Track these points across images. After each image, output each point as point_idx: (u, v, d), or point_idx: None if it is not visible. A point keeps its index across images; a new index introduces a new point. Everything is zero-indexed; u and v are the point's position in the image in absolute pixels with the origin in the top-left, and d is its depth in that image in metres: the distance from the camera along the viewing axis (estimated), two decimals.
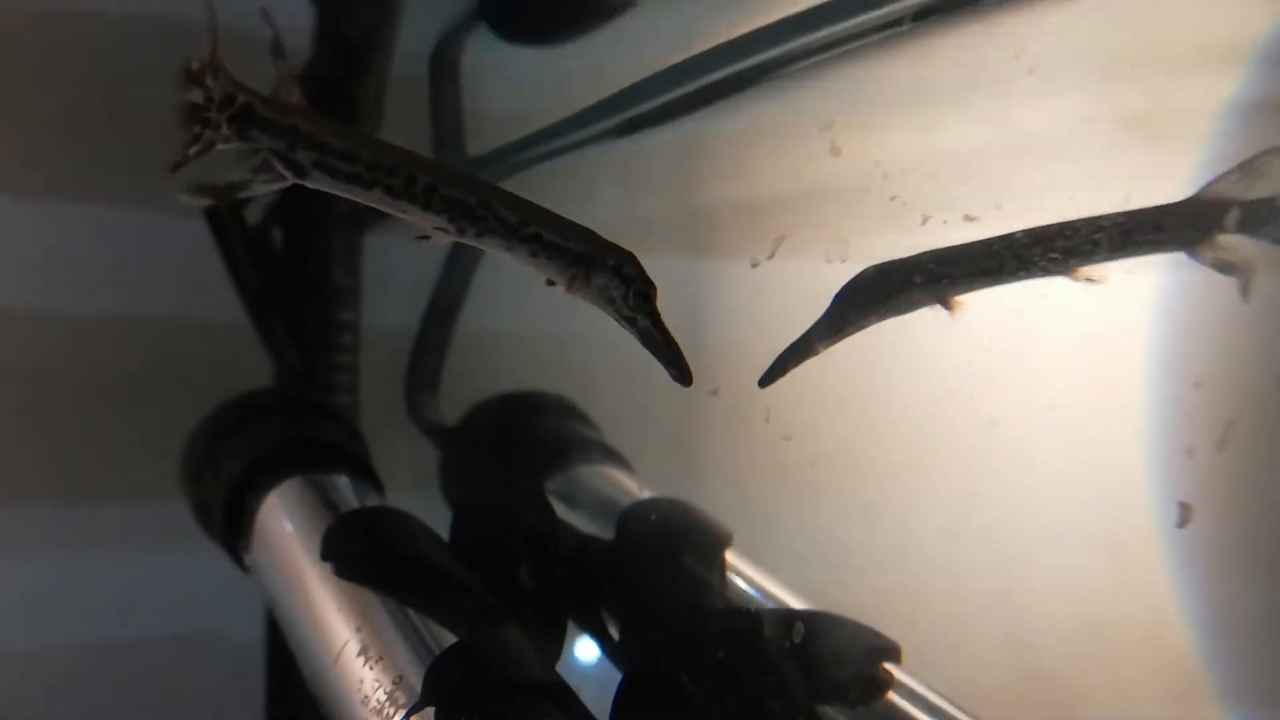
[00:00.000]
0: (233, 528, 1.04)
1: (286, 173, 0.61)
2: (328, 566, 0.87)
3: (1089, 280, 0.62)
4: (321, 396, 1.27)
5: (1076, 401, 0.64)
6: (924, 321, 0.67)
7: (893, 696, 0.73)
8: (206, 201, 0.64)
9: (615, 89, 0.81)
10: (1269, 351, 0.50)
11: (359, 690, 0.77)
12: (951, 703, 0.75)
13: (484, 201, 0.61)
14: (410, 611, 0.83)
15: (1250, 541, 0.54)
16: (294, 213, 1.30)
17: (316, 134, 0.60)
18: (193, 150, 0.59)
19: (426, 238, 0.63)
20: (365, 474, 1.08)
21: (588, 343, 1.19)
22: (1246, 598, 0.57)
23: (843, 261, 0.66)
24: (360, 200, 0.62)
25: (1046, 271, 0.62)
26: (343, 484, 1.04)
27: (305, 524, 0.96)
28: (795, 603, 0.83)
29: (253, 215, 1.31)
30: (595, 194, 1.06)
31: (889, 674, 0.73)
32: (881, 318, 0.66)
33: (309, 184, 0.61)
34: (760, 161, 0.79)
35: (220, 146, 0.60)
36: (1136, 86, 0.56)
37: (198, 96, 0.59)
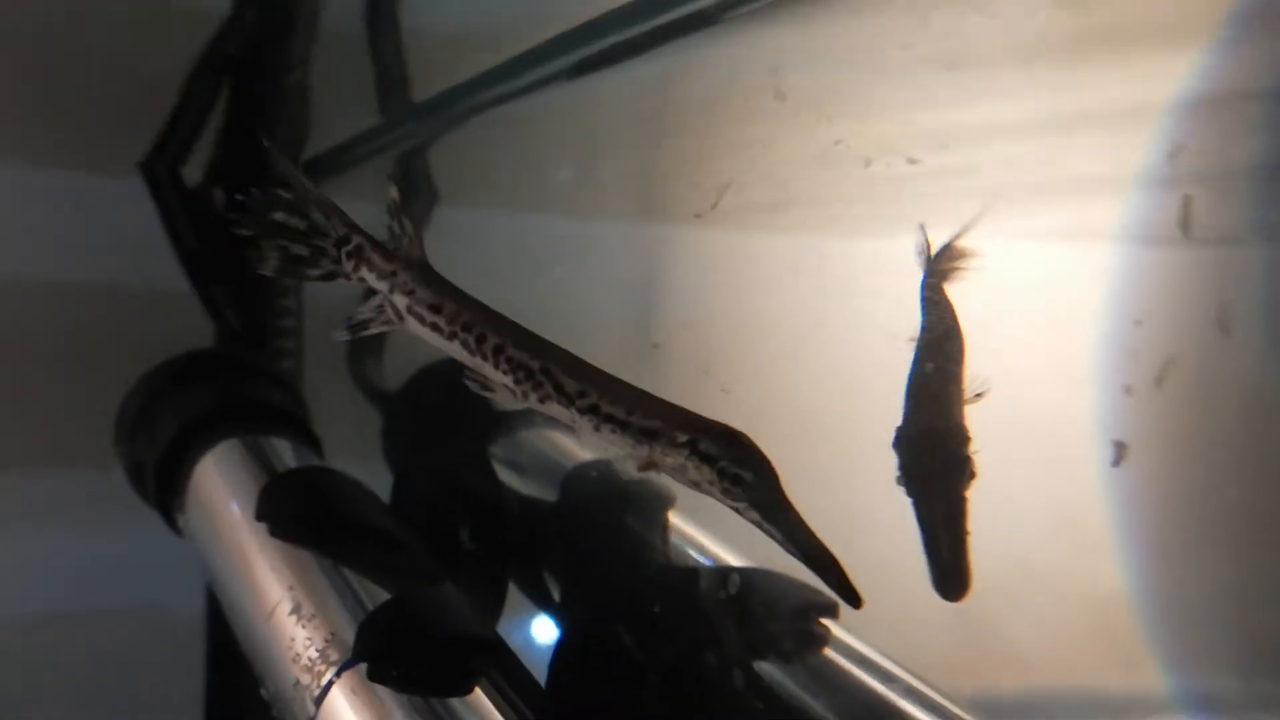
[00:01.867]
0: (167, 489, 1.01)
1: (392, 315, 0.64)
2: (262, 527, 0.86)
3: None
4: (261, 359, 1.25)
5: (1027, 362, 0.63)
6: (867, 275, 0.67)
7: (830, 653, 0.72)
8: (348, 336, 0.66)
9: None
10: (1209, 287, 0.50)
11: (290, 648, 0.75)
12: (892, 660, 0.75)
13: (545, 367, 0.59)
14: (346, 571, 0.81)
15: (1185, 480, 0.54)
16: (235, 172, 1.27)
17: (409, 281, 0.63)
18: (314, 274, 0.64)
19: (491, 390, 0.62)
20: (304, 436, 1.07)
21: (537, 310, 1.17)
22: (1183, 541, 0.57)
23: (787, 210, 0.65)
24: (448, 351, 0.63)
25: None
26: (281, 446, 1.02)
27: (241, 485, 0.94)
28: (738, 563, 0.82)
29: (192, 176, 1.28)
30: (550, 162, 1.05)
31: (826, 629, 0.72)
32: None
33: (409, 330, 0.64)
34: (705, 108, 0.78)
35: (344, 281, 0.65)
36: (1090, 18, 0.55)
37: (300, 224, 0.63)
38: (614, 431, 0.58)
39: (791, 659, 0.69)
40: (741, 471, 0.54)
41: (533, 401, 0.60)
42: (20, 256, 1.38)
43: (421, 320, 0.63)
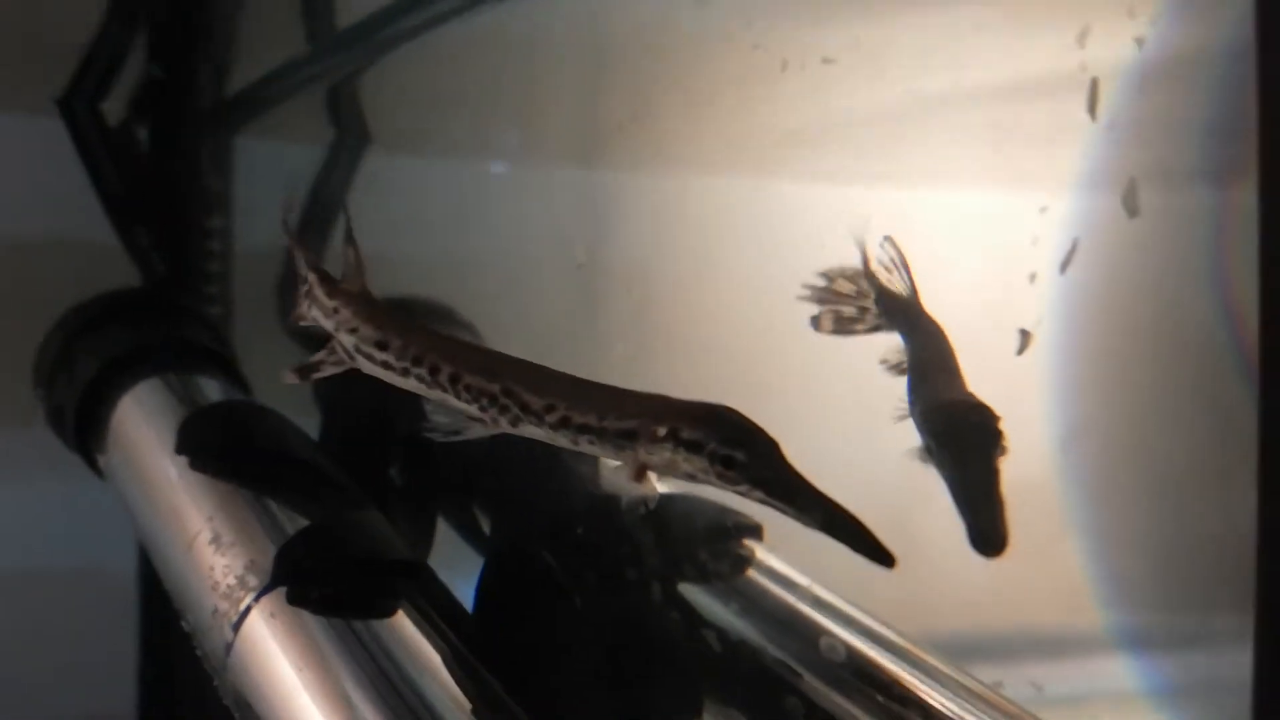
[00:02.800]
0: (87, 430, 0.99)
1: (343, 355, 0.60)
2: (183, 460, 0.84)
3: None
4: (186, 298, 1.23)
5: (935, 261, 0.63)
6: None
7: (754, 574, 0.72)
8: (296, 379, 0.64)
9: None
10: (1118, 168, 0.50)
11: (209, 577, 0.74)
12: (820, 585, 0.75)
13: (506, 388, 0.54)
14: (269, 501, 0.80)
15: (1097, 369, 0.54)
16: (159, 111, 1.24)
17: (351, 319, 0.59)
18: (285, 322, 0.61)
19: (458, 433, 0.57)
20: (231, 377, 1.05)
21: (473, 261, 1.16)
22: (1091, 430, 0.57)
23: (710, 119, 0.64)
24: (407, 389, 0.59)
25: None
26: (208, 385, 1.00)
27: (163, 423, 0.92)
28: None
29: (115, 113, 1.24)
30: (476, 82, 1.03)
31: (749, 550, 0.72)
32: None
33: (365, 369, 0.60)
34: (629, 17, 0.77)
35: (303, 323, 0.62)
36: None
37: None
38: (592, 442, 0.52)
39: (711, 576, 0.69)
40: (733, 452, 0.47)
41: (505, 426, 0.55)
42: None
43: (371, 359, 0.59)
